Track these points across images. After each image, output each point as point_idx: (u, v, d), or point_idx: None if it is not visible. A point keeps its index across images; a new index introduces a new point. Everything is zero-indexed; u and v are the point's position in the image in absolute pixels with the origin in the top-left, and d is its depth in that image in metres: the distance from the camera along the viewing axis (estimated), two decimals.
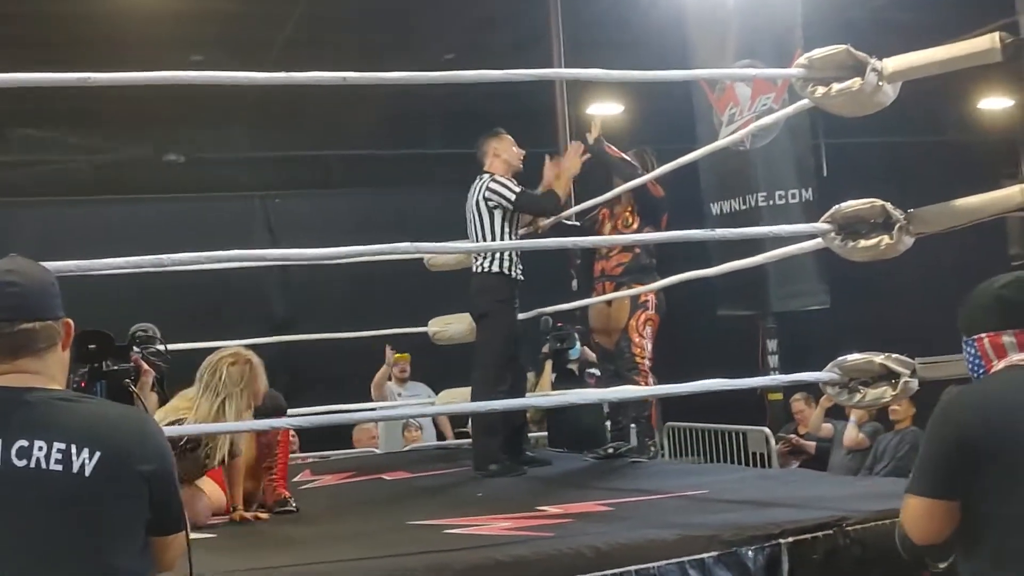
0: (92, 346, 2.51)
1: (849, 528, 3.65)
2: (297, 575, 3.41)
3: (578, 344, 7.66)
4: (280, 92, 11.11)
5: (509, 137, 6.36)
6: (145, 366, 4.36)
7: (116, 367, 2.70)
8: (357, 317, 9.21)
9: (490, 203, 6.05)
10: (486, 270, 6.08)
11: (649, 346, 6.25)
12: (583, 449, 6.69)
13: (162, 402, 4.70)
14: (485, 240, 6.08)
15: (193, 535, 4.01)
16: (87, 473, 2.10)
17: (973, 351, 2.72)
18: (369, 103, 12.75)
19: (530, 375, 8.76)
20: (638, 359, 6.19)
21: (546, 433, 8.50)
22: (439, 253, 5.98)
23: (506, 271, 6.06)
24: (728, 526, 3.67)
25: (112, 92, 9.59)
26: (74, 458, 2.10)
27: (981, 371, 2.69)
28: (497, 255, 6.06)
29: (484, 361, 6.12)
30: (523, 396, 6.32)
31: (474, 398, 6.03)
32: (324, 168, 13.90)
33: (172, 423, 4.42)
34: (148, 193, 12.14)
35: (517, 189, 6.07)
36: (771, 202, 8.61)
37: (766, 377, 6.21)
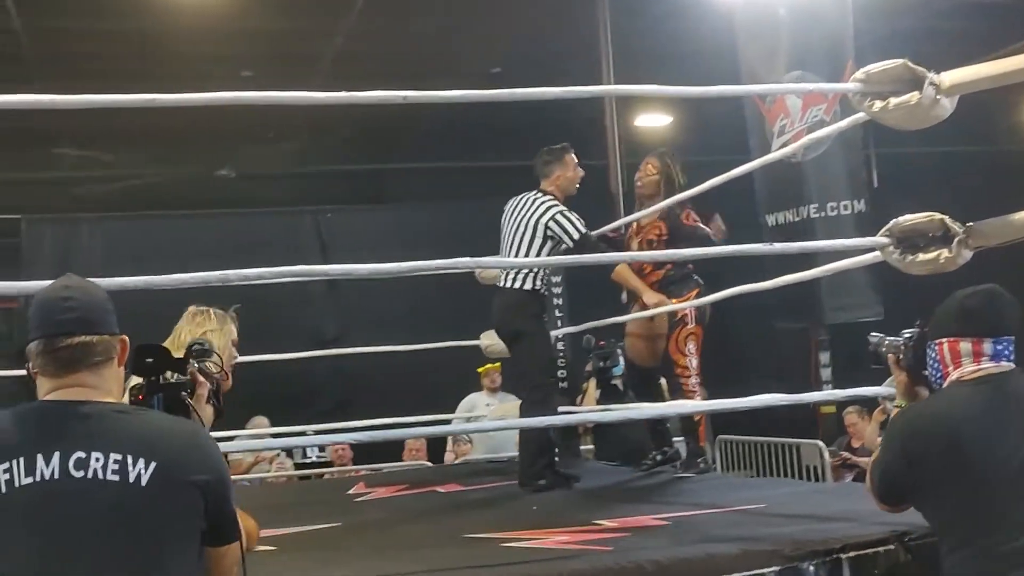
0: (149, 359, 2.55)
1: (910, 542, 3.62)
2: None
3: (622, 361, 7.65)
4: (333, 108, 11.21)
5: (574, 158, 6.26)
6: (201, 379, 4.40)
7: (173, 380, 2.74)
8: (406, 331, 9.27)
9: (548, 231, 5.94)
10: (519, 287, 5.98)
11: (695, 362, 6.17)
12: (629, 462, 6.67)
13: (217, 415, 4.73)
14: (522, 256, 5.99)
15: (260, 548, 4.09)
16: (143, 483, 2.16)
17: (934, 355, 3.00)
18: (418, 117, 12.81)
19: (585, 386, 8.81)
20: (682, 379, 6.12)
21: (591, 446, 8.53)
22: (492, 267, 5.94)
23: (536, 288, 6.01)
24: (788, 541, 3.65)
25: (164, 108, 9.71)
26: (130, 469, 2.16)
27: (939, 375, 2.93)
28: (532, 273, 5.99)
29: (529, 381, 6.06)
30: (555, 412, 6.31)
31: (524, 417, 6.01)
32: (374, 182, 13.99)
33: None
34: (200, 208, 12.27)
35: (583, 230, 5.95)
36: (823, 214, 8.56)
37: (822, 392, 6.16)
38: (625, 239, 6.53)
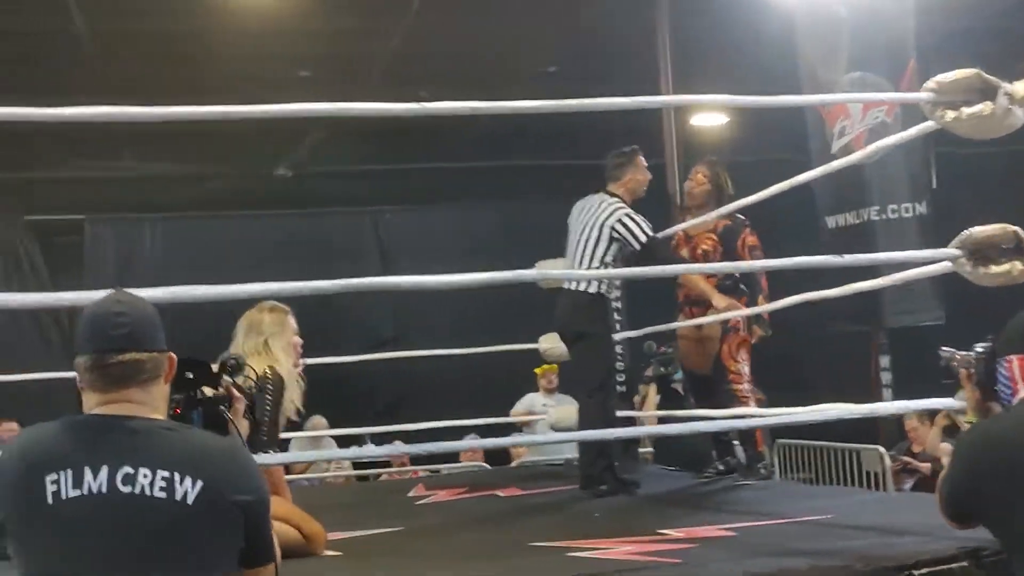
0: (189, 374, 2.57)
1: (984, 559, 3.58)
2: None
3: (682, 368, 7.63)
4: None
5: (643, 162, 6.27)
6: (236, 393, 4.41)
7: (211, 395, 2.77)
8: (462, 331, 9.29)
9: (615, 233, 5.95)
10: (583, 289, 5.98)
11: (746, 369, 6.18)
12: (689, 467, 6.65)
13: (253, 429, 4.76)
14: (592, 260, 5.97)
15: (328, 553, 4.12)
16: (189, 501, 2.16)
17: (1004, 371, 2.95)
18: (475, 117, 12.81)
19: (643, 389, 8.78)
20: (735, 387, 6.10)
21: (651, 449, 8.51)
22: (562, 278, 5.92)
23: (604, 292, 6.02)
24: (858, 556, 3.62)
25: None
26: (177, 486, 2.16)
27: (1009, 392, 2.87)
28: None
29: (589, 384, 6.05)
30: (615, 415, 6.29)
31: (583, 419, 6.03)
32: (433, 182, 14.01)
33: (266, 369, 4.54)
34: (258, 208, 12.37)
35: (650, 233, 5.96)
36: (884, 216, 8.48)
37: (888, 404, 6.07)
38: (672, 248, 6.48)
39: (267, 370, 4.57)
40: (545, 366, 8.78)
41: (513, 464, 8.71)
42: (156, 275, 9.57)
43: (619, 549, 4.09)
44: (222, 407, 2.65)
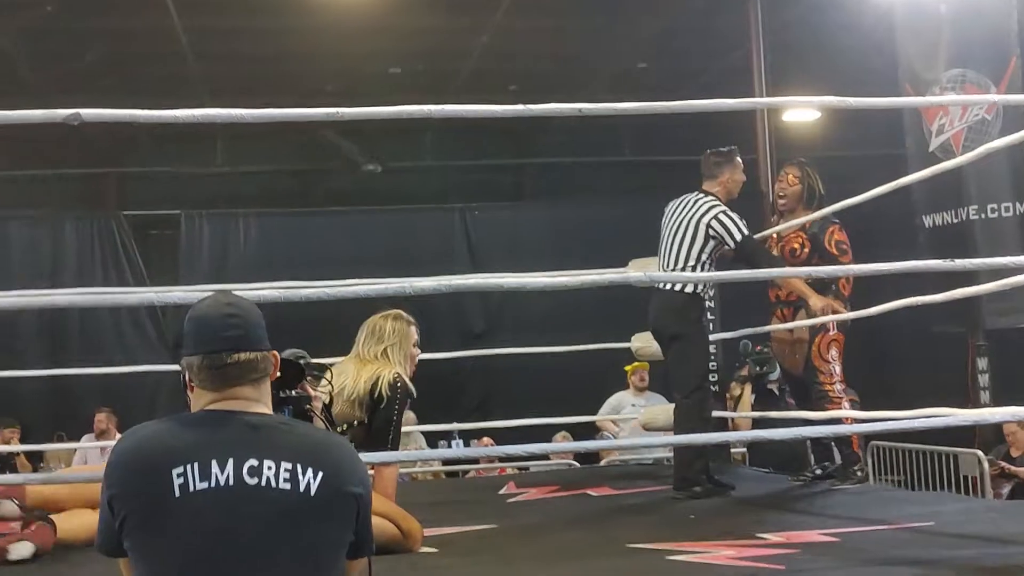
0: (279, 373, 2.62)
1: None
2: None
3: (778, 367, 7.55)
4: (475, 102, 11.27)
5: (741, 163, 6.20)
6: (312, 392, 4.45)
7: (296, 394, 2.79)
8: (551, 327, 9.29)
9: (711, 230, 5.89)
10: (679, 289, 5.90)
11: (838, 369, 6.03)
12: (785, 469, 6.57)
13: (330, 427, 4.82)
14: (687, 258, 5.92)
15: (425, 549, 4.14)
16: (312, 492, 2.21)
17: None
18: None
19: (733, 387, 8.72)
20: (827, 387, 5.97)
21: (745, 450, 8.44)
22: (664, 281, 5.87)
23: (699, 292, 5.95)
24: (968, 566, 3.55)
25: (312, 103, 9.91)
26: (300, 478, 2.21)
27: None
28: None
29: (685, 386, 5.98)
30: (711, 416, 6.24)
31: (679, 422, 5.98)
32: (521, 178, 14.04)
33: (392, 375, 4.65)
34: (348, 202, 12.49)
35: (745, 232, 5.89)
36: (983, 215, 8.30)
37: (995, 410, 5.90)
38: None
39: (397, 378, 4.68)
40: (636, 364, 8.74)
41: (602, 463, 8.68)
42: (249, 269, 9.71)
43: (719, 553, 4.04)
44: (308, 406, 2.69)
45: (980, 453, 7.58)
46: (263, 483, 2.19)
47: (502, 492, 6.56)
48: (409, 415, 9.24)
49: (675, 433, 6.03)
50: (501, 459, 9.18)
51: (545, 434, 9.11)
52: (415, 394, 4.83)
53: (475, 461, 9.49)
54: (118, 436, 8.83)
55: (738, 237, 5.86)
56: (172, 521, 2.17)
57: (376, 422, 4.64)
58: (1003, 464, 8.14)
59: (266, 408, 2.34)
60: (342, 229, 11.05)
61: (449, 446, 9.90)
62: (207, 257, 10.68)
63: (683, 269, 5.93)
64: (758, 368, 7.76)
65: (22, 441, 9.31)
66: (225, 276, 9.63)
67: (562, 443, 7.42)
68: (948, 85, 8.43)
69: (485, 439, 9.28)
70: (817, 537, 4.37)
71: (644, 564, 3.97)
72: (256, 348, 2.34)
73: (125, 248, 10.81)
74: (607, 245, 8.38)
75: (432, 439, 9.76)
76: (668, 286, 5.93)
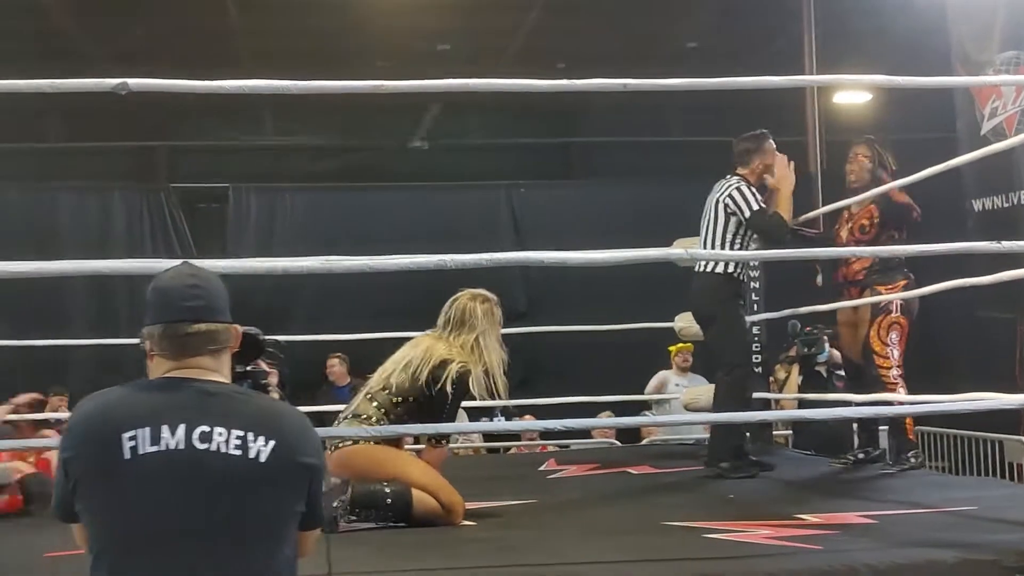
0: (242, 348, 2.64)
1: None
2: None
3: (827, 348, 7.49)
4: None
5: (773, 146, 6.16)
6: (266, 367, 4.44)
7: (254, 368, 2.81)
8: (594, 306, 9.27)
9: (727, 208, 5.92)
10: (710, 270, 5.95)
11: (896, 353, 5.90)
12: (828, 452, 6.52)
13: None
14: (715, 239, 5.95)
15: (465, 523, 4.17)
16: (262, 460, 2.22)
17: None
18: (610, 91, 12.72)
19: (778, 370, 8.67)
20: (882, 371, 5.88)
21: (790, 432, 8.40)
22: (693, 258, 5.88)
23: (732, 272, 5.94)
24: (1009, 550, 3.51)
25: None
26: (251, 445, 2.22)
27: None
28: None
29: (726, 363, 6.01)
30: (750, 396, 6.24)
31: (718, 399, 5.98)
32: (567, 157, 14.01)
33: (461, 369, 4.61)
34: (395, 178, 12.51)
35: (756, 206, 5.87)
36: None
37: None
38: (835, 229, 6.33)
39: (464, 373, 4.64)
40: (680, 344, 8.72)
41: (644, 442, 8.68)
42: (296, 242, 9.77)
43: (756, 532, 4.03)
44: (265, 380, 2.71)
45: None
46: (213, 448, 2.20)
47: (542, 468, 6.59)
48: None
49: (713, 410, 6.03)
50: (541, 434, 9.23)
51: (588, 412, 9.12)
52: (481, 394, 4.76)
53: (516, 437, 9.53)
54: None
55: (746, 212, 5.87)
56: (121, 483, 2.20)
57: (433, 404, 4.62)
58: None
59: (224, 379, 2.36)
60: (388, 206, 11.07)
61: (491, 421, 9.95)
62: (254, 230, 10.74)
63: (720, 251, 5.95)
64: (806, 349, 7.71)
65: (70, 409, 9.43)
66: (270, 250, 9.68)
67: (598, 419, 7.40)
68: (1002, 67, 8.29)
69: (527, 416, 9.29)
70: (856, 519, 4.36)
71: (680, 541, 3.96)
72: (217, 319, 2.35)
73: (174, 220, 10.90)
74: (653, 225, 8.33)
75: (474, 415, 9.79)
76: (704, 267, 6.00)
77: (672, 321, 7.27)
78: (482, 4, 10.88)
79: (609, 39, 11.72)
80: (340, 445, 4.56)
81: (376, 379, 4.69)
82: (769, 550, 3.72)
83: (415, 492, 4.50)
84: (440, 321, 4.84)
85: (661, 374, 8.99)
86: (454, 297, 4.86)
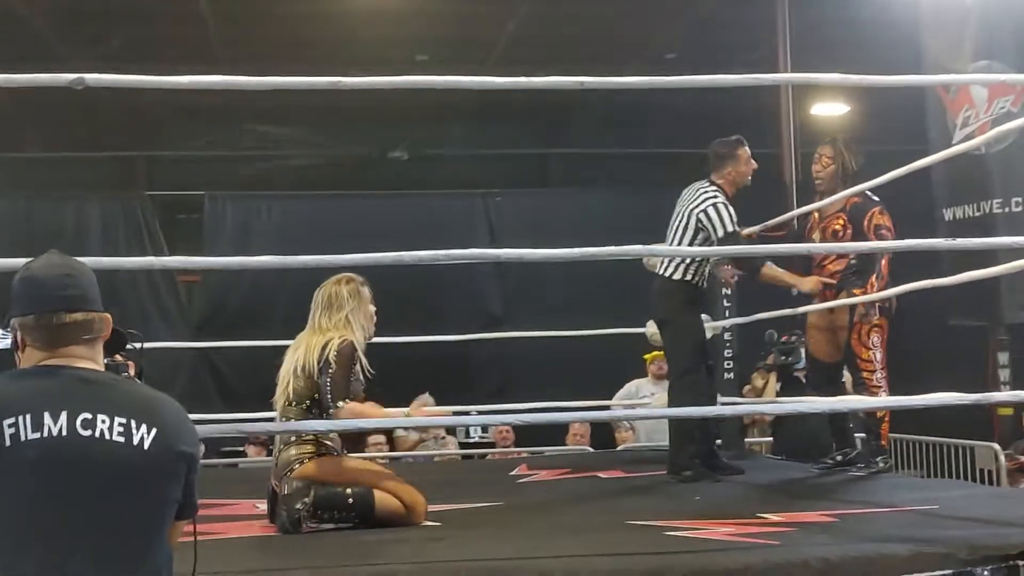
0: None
1: None
2: (522, 568, 3.46)
3: (804, 357, 7.48)
4: (502, 91, 11.31)
5: (747, 152, 6.13)
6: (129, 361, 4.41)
7: (115, 362, 2.81)
8: (570, 315, 9.28)
9: (699, 222, 5.89)
10: (669, 275, 5.97)
11: (879, 355, 5.91)
12: (807, 458, 6.49)
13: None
14: (676, 246, 5.96)
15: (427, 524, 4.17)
16: (145, 447, 2.24)
17: None
18: (588, 102, 12.81)
19: (755, 378, 8.68)
20: (866, 375, 5.87)
21: (770, 439, 8.42)
22: (656, 255, 5.91)
23: (690, 279, 5.96)
24: (962, 544, 3.54)
25: (339, 91, 9.97)
26: (134, 432, 2.23)
27: None
28: (685, 263, 5.95)
29: (677, 368, 6.06)
30: (714, 402, 6.23)
31: (672, 403, 6.01)
32: (545, 166, 14.05)
33: (342, 341, 4.57)
34: (374, 188, 12.52)
35: (730, 228, 5.83)
36: (1007, 209, 8.21)
37: (1008, 393, 5.84)
38: (806, 231, 6.31)
39: (344, 343, 4.60)
40: (655, 352, 8.73)
41: (618, 448, 8.68)
42: (272, 250, 9.69)
43: (716, 530, 4.06)
44: (126, 374, 2.71)
45: (997, 446, 7.54)
46: (97, 435, 2.21)
47: (513, 473, 6.59)
48: (427, 398, 9.30)
49: (673, 417, 6.04)
50: (516, 442, 9.23)
51: (563, 421, 9.13)
52: (363, 361, 4.70)
53: (491, 445, 9.52)
54: None
55: (720, 233, 5.84)
56: (4, 470, 2.19)
57: (322, 387, 4.56)
58: (1021, 458, 8.08)
59: (99, 368, 2.37)
60: (364, 213, 11.06)
61: (467, 431, 9.95)
62: (230, 238, 10.71)
63: (677, 259, 5.96)
64: (783, 358, 7.73)
65: None
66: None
67: (569, 414, 7.33)
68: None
69: (501, 426, 9.30)
70: (817, 518, 4.39)
71: (641, 538, 3.98)
72: (92, 309, 2.36)
73: (149, 229, 10.87)
74: (629, 234, 8.32)
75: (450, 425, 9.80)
76: (662, 271, 6.03)
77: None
78: (462, 15, 10.93)
79: (588, 50, 11.77)
80: (296, 466, 4.52)
81: (280, 399, 4.66)
82: (727, 545, 3.74)
83: (377, 493, 4.50)
84: (311, 314, 4.80)
85: (633, 383, 9.00)
86: (319, 287, 4.84)
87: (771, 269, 6.04)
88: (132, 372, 2.72)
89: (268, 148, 13.19)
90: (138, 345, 2.71)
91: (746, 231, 6.21)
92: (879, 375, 5.89)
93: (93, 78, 3.46)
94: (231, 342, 8.37)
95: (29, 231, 10.63)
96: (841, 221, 6.07)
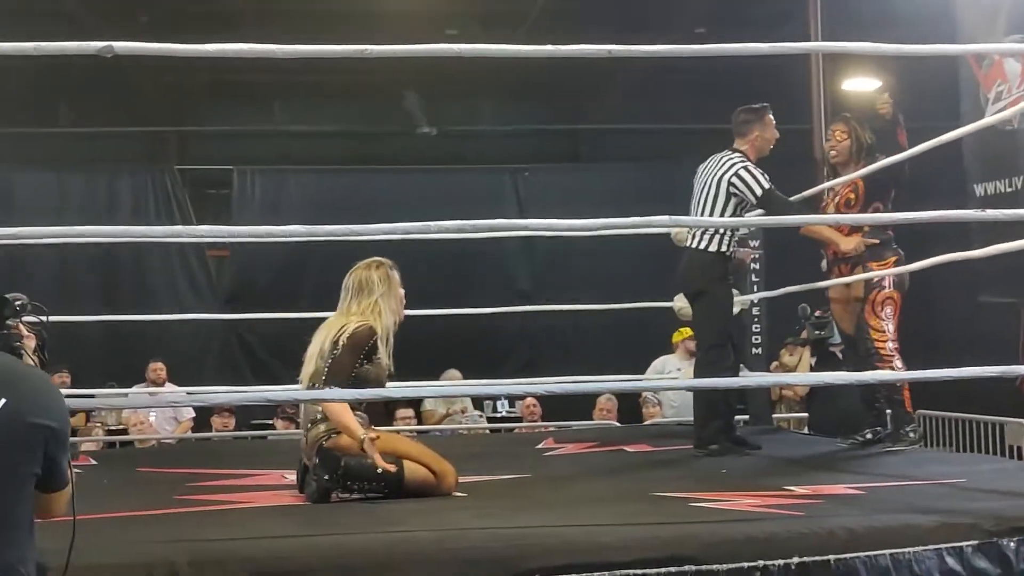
0: None
1: None
2: (546, 537, 3.47)
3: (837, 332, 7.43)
4: (531, 67, 11.27)
5: (772, 119, 6.10)
6: (24, 332, 4.39)
7: (7, 331, 2.81)
8: (599, 291, 9.29)
9: (732, 189, 5.84)
10: (704, 247, 5.92)
11: (890, 327, 5.89)
12: (841, 434, 6.46)
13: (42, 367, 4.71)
14: (707, 216, 5.90)
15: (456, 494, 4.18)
16: None
17: None
18: (619, 77, 12.75)
19: (783, 354, 8.67)
20: (877, 344, 5.84)
21: (798, 415, 8.41)
22: (686, 226, 5.88)
23: (724, 250, 5.92)
24: (989, 516, 3.52)
25: (370, 66, 9.95)
26: None
27: None
28: (719, 234, 5.90)
29: (704, 342, 6.04)
30: (736, 375, 6.17)
31: (697, 377, 5.99)
32: (573, 142, 14.01)
33: (359, 325, 4.55)
34: (402, 164, 12.53)
35: (767, 185, 5.80)
36: None
37: None
38: (821, 208, 6.30)
39: (360, 327, 4.58)
40: (685, 331, 8.73)
41: (645, 423, 8.69)
42: (299, 224, 9.76)
43: (741, 501, 4.06)
44: (17, 344, 2.71)
45: None
46: None
47: (540, 446, 6.61)
48: (454, 373, 9.34)
49: (698, 389, 6.04)
50: (543, 416, 9.25)
51: (591, 397, 9.15)
52: (390, 344, 4.68)
53: (519, 420, 9.55)
54: (171, 386, 8.95)
55: (758, 192, 5.80)
56: None
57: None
58: None
59: None
60: (393, 188, 11.09)
61: (495, 406, 9.99)
62: (258, 212, 10.77)
63: (709, 230, 5.92)
64: (817, 332, 7.70)
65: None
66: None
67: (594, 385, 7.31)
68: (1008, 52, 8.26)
69: (529, 399, 9.33)
70: (844, 490, 4.37)
71: (664, 509, 3.99)
72: None
73: (179, 202, 10.95)
74: (659, 210, 8.32)
75: (478, 400, 9.85)
76: (695, 244, 5.97)
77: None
78: None
79: (618, 25, 11.71)
80: (324, 441, 4.52)
81: (305, 380, 4.64)
82: (751, 516, 3.74)
83: (407, 463, 4.51)
84: (341, 299, 4.79)
85: (662, 358, 8.99)
86: (349, 272, 4.83)
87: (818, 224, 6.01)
88: (32, 344, 2.72)
89: (299, 124, 13.21)
90: (43, 318, 2.72)
91: None
92: (891, 345, 5.87)
93: (121, 46, 3.47)
94: (260, 314, 8.39)
95: (61, 204, 10.74)
96: (853, 186, 6.06)
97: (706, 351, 5.97)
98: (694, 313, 6.24)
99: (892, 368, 5.76)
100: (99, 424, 9.26)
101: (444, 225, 3.86)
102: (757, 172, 5.85)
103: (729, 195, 5.87)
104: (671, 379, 8.32)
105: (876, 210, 5.95)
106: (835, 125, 6.31)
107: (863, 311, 5.96)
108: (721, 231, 5.90)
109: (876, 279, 5.90)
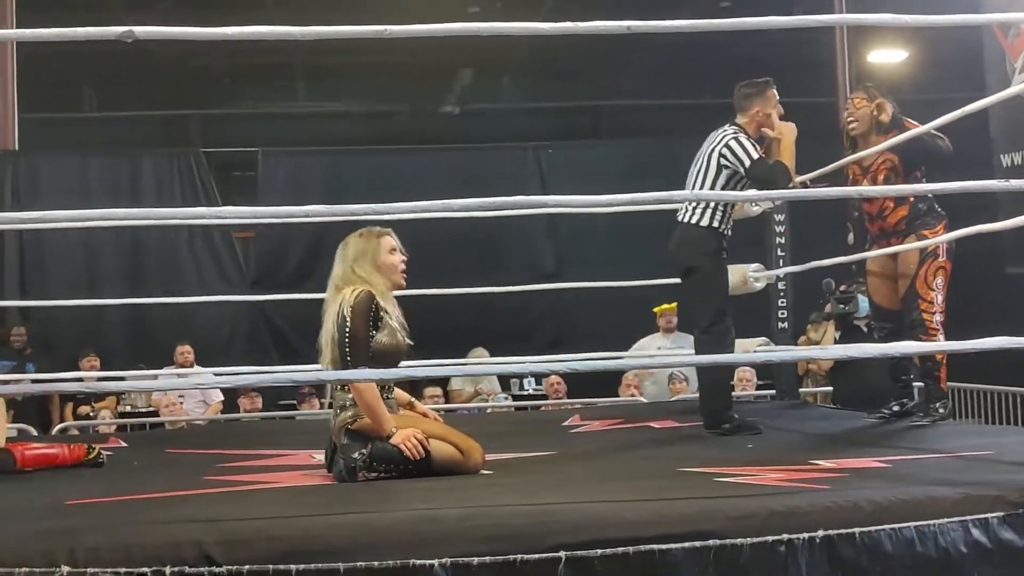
0: None
1: None
2: (571, 512, 3.48)
3: (863, 304, 7.35)
4: (553, 44, 11.26)
5: (775, 95, 5.92)
6: None
7: None
8: (625, 269, 9.27)
9: (722, 161, 5.71)
10: (694, 222, 5.77)
11: (940, 298, 5.76)
12: (867, 408, 6.40)
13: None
14: (699, 190, 5.76)
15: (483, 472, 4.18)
16: None
17: None
18: (641, 54, 12.71)
19: (809, 330, 8.64)
20: (926, 315, 5.72)
21: (824, 389, 8.39)
22: (703, 199, 5.80)
23: (716, 226, 5.77)
24: (1015, 487, 3.51)
25: (392, 45, 9.97)
26: None
27: None
28: (710, 208, 5.74)
29: (702, 321, 5.84)
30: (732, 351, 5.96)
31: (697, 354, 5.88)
32: (596, 119, 14.00)
33: (356, 294, 4.50)
34: (426, 143, 12.53)
35: (755, 155, 5.64)
36: None
37: None
38: (849, 184, 6.12)
39: (355, 293, 4.53)
40: (665, 305, 8.72)
41: (672, 399, 8.70)
42: (329, 205, 9.81)
43: (767, 476, 4.06)
44: None
45: None
46: None
47: (565, 423, 6.62)
48: (481, 351, 9.37)
49: (699, 375, 5.98)
50: (569, 394, 9.28)
51: (616, 374, 9.16)
52: (395, 308, 4.65)
53: (544, 397, 9.57)
54: (198, 368, 9.02)
55: (746, 162, 5.64)
56: None
57: (342, 345, 4.48)
58: None
59: None
60: (416, 167, 11.10)
61: (520, 384, 10.02)
62: (283, 194, 10.80)
63: (700, 203, 5.79)
64: (842, 306, 7.66)
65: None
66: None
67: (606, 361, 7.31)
68: None
69: (553, 377, 9.34)
70: (869, 463, 4.37)
71: (689, 484, 3.98)
72: None
73: (204, 185, 10.99)
74: (682, 186, 8.33)
75: (504, 378, 9.88)
76: (686, 218, 5.83)
77: None
78: None
79: (640, 3, 11.66)
80: (351, 424, 4.52)
81: (324, 364, 4.62)
82: (776, 490, 3.74)
83: (433, 442, 4.50)
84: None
85: (645, 339, 8.96)
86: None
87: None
88: None
89: (323, 105, 13.24)
90: None
91: (799, 179, 6.07)
92: (938, 317, 5.76)
93: (142, 31, 3.49)
94: (287, 295, 8.41)
95: (86, 187, 10.80)
96: (889, 163, 5.89)
97: (705, 329, 5.79)
98: (686, 290, 6.05)
99: (935, 341, 5.66)
100: (129, 406, 9.35)
101: (467, 203, 3.87)
102: (748, 143, 5.70)
103: (720, 167, 5.74)
104: (687, 355, 8.29)
105: (916, 179, 5.86)
106: (855, 93, 6.16)
107: (915, 281, 5.81)
108: (713, 205, 5.76)
109: (931, 248, 5.77)
